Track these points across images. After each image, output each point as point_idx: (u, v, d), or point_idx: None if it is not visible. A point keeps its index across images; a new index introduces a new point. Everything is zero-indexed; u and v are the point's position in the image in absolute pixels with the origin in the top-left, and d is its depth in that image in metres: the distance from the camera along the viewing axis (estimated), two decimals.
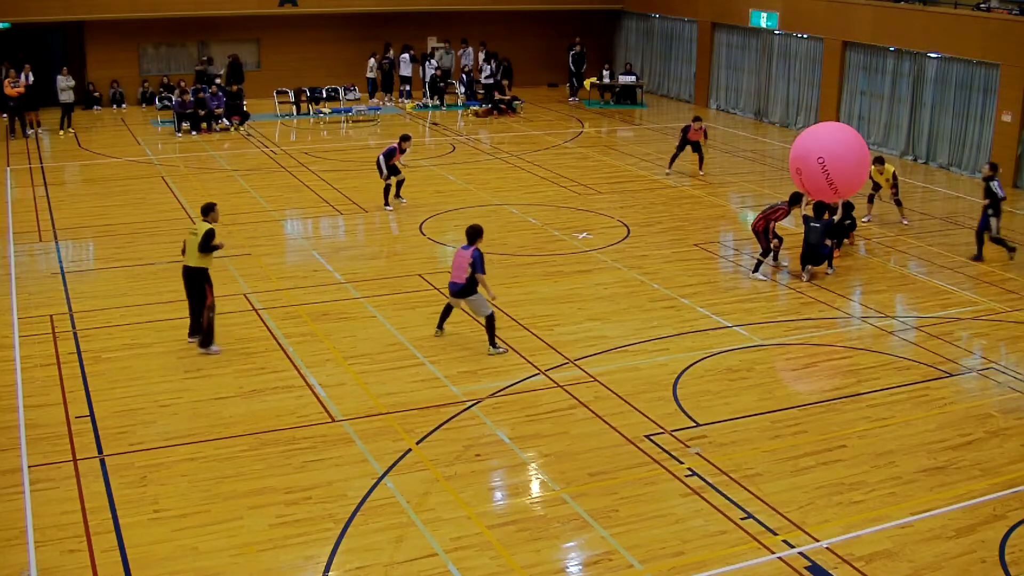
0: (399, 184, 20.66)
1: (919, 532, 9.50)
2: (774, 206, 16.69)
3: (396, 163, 20.37)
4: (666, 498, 10.00)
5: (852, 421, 11.69)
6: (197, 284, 13.31)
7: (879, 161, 19.51)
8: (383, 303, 15.14)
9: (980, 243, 17.55)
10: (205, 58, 31.35)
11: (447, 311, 13.93)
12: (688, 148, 23.36)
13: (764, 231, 16.45)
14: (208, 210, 13.56)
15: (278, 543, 9.19)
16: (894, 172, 19.31)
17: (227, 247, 17.54)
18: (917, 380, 12.79)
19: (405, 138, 20.69)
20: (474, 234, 13.55)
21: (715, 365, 13.15)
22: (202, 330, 13.35)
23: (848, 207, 18.06)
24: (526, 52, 34.88)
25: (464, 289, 13.28)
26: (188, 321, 13.89)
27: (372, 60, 32.59)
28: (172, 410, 11.74)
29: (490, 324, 13.37)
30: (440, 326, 13.94)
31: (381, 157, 20.14)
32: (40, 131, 27.38)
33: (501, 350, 13.40)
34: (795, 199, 16.86)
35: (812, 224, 16.43)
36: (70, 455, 10.67)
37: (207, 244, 13.12)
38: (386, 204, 20.31)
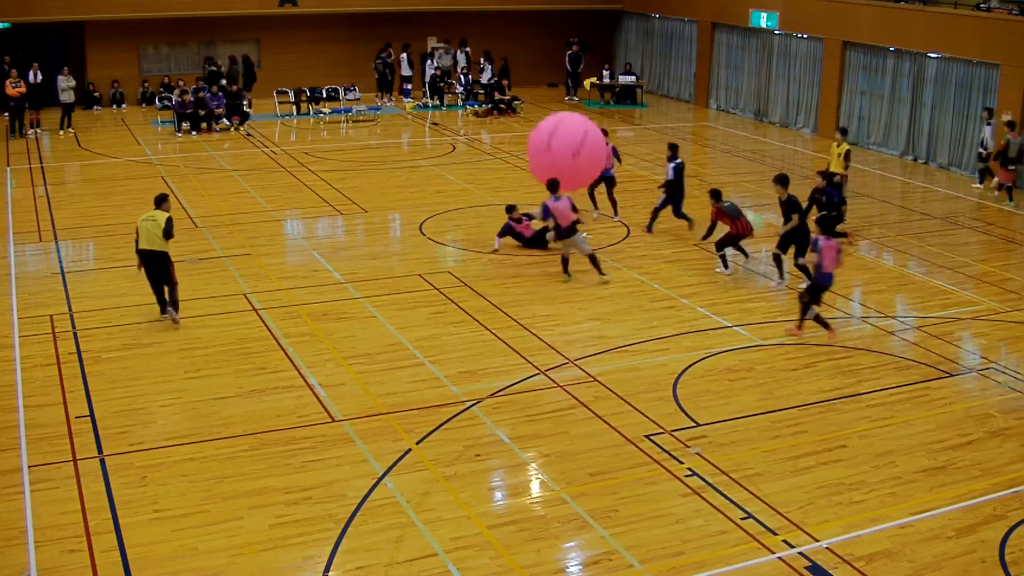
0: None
1: (919, 532, 9.50)
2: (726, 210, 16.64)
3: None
4: (666, 498, 10.00)
5: (852, 421, 11.69)
6: (163, 267, 14.14)
7: (843, 132, 19.68)
8: (383, 303, 15.15)
9: (653, 218, 18.81)
10: (209, 58, 31.35)
11: (565, 260, 16.12)
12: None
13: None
14: (162, 200, 14.54)
15: (278, 543, 9.19)
16: (848, 151, 19.23)
17: (227, 247, 17.65)
18: (917, 380, 12.79)
19: (509, 209, 17.85)
20: (554, 185, 16.07)
21: (715, 365, 13.15)
22: (175, 303, 14.28)
23: (840, 200, 17.95)
24: (526, 52, 34.88)
25: (569, 229, 15.76)
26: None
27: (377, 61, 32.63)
28: (172, 410, 11.75)
29: (593, 259, 16.04)
30: (566, 271, 16.14)
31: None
32: (40, 131, 27.38)
33: (606, 277, 15.97)
34: (716, 194, 16.98)
35: (828, 190, 17.02)
36: (70, 455, 10.67)
37: (171, 230, 14.17)
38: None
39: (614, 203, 19.42)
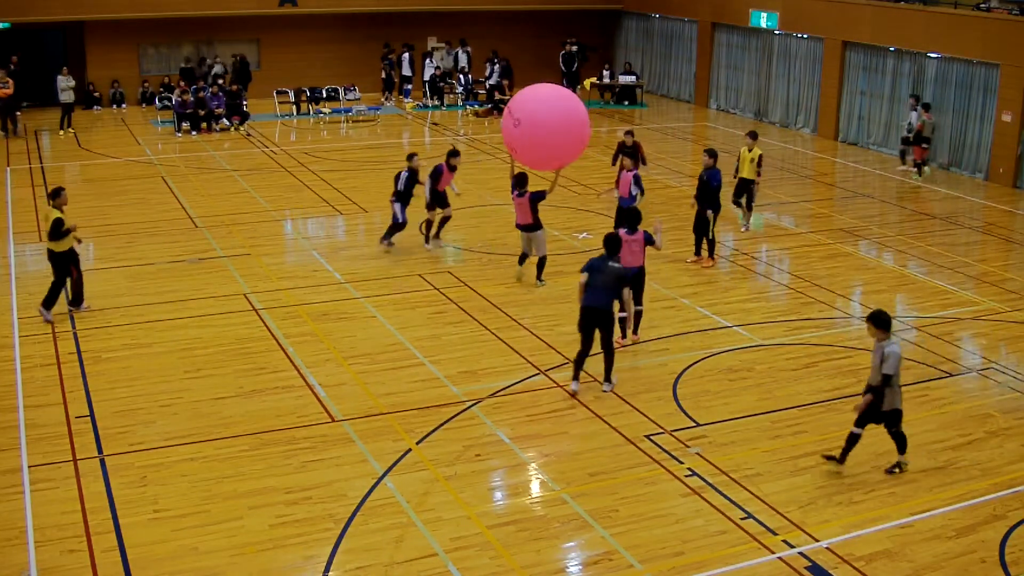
0: (443, 221, 17.73)
1: (919, 532, 9.50)
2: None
3: (448, 188, 17.59)
4: (666, 498, 10.00)
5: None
6: (63, 265, 14.16)
7: (753, 136, 18.96)
8: (383, 303, 15.15)
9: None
10: (203, 58, 31.37)
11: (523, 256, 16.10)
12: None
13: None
14: (55, 195, 14.24)
15: (278, 543, 9.19)
16: (761, 155, 18.67)
17: (227, 247, 17.66)
18: (917, 380, 12.78)
19: (453, 153, 17.64)
20: (522, 181, 15.80)
21: (715, 365, 13.14)
22: (48, 301, 14.17)
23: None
24: (526, 52, 34.87)
25: (529, 227, 15.68)
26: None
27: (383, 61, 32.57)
28: (172, 410, 11.74)
29: (542, 262, 15.95)
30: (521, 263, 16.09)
31: (428, 180, 17.38)
32: (20, 128, 27.12)
33: (542, 284, 15.82)
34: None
35: (713, 171, 16.59)
36: (70, 455, 10.67)
37: (56, 233, 13.94)
38: (426, 242, 17.67)
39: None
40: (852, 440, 10.38)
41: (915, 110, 23.61)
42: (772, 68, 30.25)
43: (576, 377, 12.20)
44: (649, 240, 13.60)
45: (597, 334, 12.03)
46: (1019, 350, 13.83)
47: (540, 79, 35.69)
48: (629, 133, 19.85)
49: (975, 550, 9.22)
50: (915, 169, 23.77)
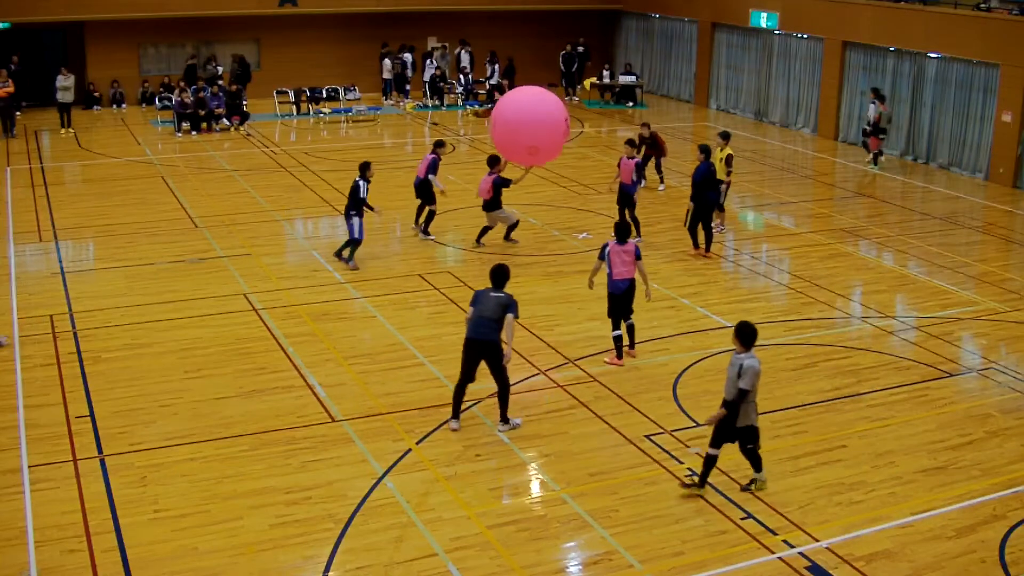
0: (431, 216, 18.39)
1: (919, 532, 9.50)
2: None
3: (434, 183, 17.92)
4: (666, 498, 10.00)
5: (852, 421, 11.69)
6: None
7: (724, 136, 18.67)
8: (383, 303, 15.15)
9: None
10: (208, 58, 31.37)
11: (485, 230, 17.77)
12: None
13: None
14: None
15: (278, 543, 9.19)
16: (730, 155, 18.23)
17: (227, 247, 17.65)
18: (917, 380, 12.78)
19: (440, 144, 18.39)
20: (494, 161, 17.48)
21: (715, 365, 13.14)
22: None
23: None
24: (526, 52, 34.88)
25: (488, 204, 17.32)
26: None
27: (387, 61, 32.48)
28: (172, 410, 11.74)
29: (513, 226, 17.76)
30: (479, 240, 17.78)
31: (431, 177, 17.79)
32: (16, 130, 27.08)
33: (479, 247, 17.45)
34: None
35: (700, 167, 17.06)
36: (70, 455, 10.67)
37: None
38: (426, 232, 18.32)
39: (636, 223, 17.94)
40: (709, 462, 9.91)
41: (873, 103, 24.32)
42: (772, 68, 30.25)
43: (455, 415, 11.29)
44: (637, 255, 12.88)
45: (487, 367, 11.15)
46: (1019, 350, 13.84)
47: (540, 79, 35.91)
48: (645, 125, 21.41)
49: (975, 550, 9.22)
50: (871, 159, 24.66)
